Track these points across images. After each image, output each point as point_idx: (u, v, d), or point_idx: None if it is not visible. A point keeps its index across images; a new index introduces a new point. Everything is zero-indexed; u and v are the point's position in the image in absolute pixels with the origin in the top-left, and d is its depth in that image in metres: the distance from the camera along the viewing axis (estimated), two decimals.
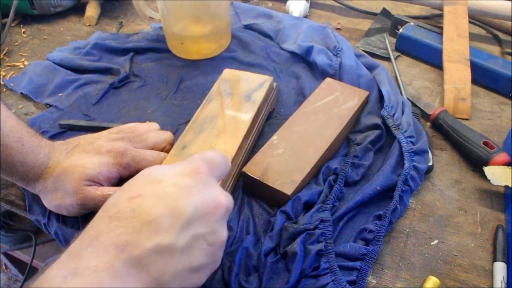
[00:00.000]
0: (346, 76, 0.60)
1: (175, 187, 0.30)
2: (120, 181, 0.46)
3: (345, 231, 0.45)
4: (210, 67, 0.65)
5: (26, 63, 0.69)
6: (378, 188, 0.46)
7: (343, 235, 0.44)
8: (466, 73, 0.62)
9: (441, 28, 0.70)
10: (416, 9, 0.83)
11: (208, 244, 0.31)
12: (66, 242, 0.45)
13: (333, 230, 0.43)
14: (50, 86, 0.62)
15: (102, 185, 0.44)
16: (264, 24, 0.72)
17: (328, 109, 0.53)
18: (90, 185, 0.43)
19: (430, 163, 0.51)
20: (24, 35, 0.76)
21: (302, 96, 0.59)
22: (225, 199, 0.32)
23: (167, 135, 0.50)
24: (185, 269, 0.29)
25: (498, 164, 0.49)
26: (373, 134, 0.52)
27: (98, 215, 0.30)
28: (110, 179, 0.45)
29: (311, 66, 0.64)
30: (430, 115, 0.58)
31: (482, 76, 0.64)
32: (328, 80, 0.57)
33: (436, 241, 0.45)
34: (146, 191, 0.30)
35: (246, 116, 0.50)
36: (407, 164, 0.48)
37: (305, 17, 0.80)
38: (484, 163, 0.50)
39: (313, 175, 0.48)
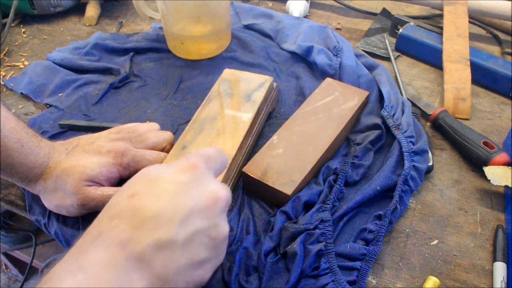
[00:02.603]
0: (346, 76, 0.60)
1: (173, 183, 0.31)
2: (120, 181, 0.46)
3: (345, 231, 0.45)
4: (210, 67, 0.65)
5: (26, 63, 0.69)
6: (378, 188, 0.46)
7: (343, 235, 0.44)
8: (466, 73, 0.62)
9: (441, 28, 0.70)
10: (416, 9, 0.83)
11: (210, 238, 0.31)
12: (66, 242, 0.45)
13: (333, 230, 0.43)
14: (50, 86, 0.62)
15: (102, 185, 0.44)
16: (264, 24, 0.72)
17: (328, 109, 0.53)
18: (90, 185, 0.43)
19: (430, 163, 0.51)
20: (24, 35, 0.76)
21: (302, 96, 0.59)
22: (223, 193, 0.33)
23: (167, 135, 0.50)
24: (188, 264, 0.30)
25: (498, 164, 0.49)
26: (373, 134, 0.52)
27: (99, 216, 0.31)
28: (110, 179, 0.45)
29: (311, 66, 0.64)
30: (430, 115, 0.58)
31: (482, 76, 0.64)
32: (328, 80, 0.57)
33: (436, 241, 0.45)
34: (144, 190, 0.30)
35: (246, 116, 0.50)
36: (407, 164, 0.48)
37: (305, 17, 0.80)
38: (484, 163, 0.50)
39: (313, 175, 0.48)
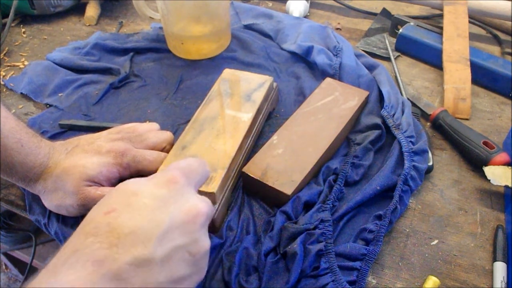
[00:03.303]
0: (346, 76, 0.60)
1: (151, 199, 0.30)
2: (120, 181, 0.46)
3: (345, 231, 0.45)
4: (210, 67, 0.65)
5: (26, 63, 0.69)
6: (378, 188, 0.46)
7: (343, 235, 0.44)
8: (466, 73, 0.62)
9: (441, 28, 0.70)
10: (416, 9, 0.83)
11: (190, 254, 0.30)
12: None
13: (333, 230, 0.43)
14: (50, 86, 0.62)
15: (102, 185, 0.44)
16: (264, 24, 0.72)
17: (328, 109, 0.53)
18: (90, 185, 0.43)
19: (430, 163, 0.51)
20: (24, 35, 0.76)
21: (302, 96, 0.59)
22: (204, 206, 0.32)
23: (167, 135, 0.50)
24: (167, 281, 0.29)
25: (498, 164, 0.49)
26: (373, 134, 0.52)
27: (75, 232, 0.30)
28: (111, 179, 0.45)
29: (311, 66, 0.64)
30: (430, 115, 0.58)
31: (482, 76, 0.64)
32: (328, 80, 0.57)
33: (436, 241, 0.45)
34: (121, 205, 0.29)
35: (246, 116, 0.50)
36: (407, 164, 0.48)
37: (305, 17, 0.80)
38: (484, 163, 0.50)
39: (313, 175, 0.48)
